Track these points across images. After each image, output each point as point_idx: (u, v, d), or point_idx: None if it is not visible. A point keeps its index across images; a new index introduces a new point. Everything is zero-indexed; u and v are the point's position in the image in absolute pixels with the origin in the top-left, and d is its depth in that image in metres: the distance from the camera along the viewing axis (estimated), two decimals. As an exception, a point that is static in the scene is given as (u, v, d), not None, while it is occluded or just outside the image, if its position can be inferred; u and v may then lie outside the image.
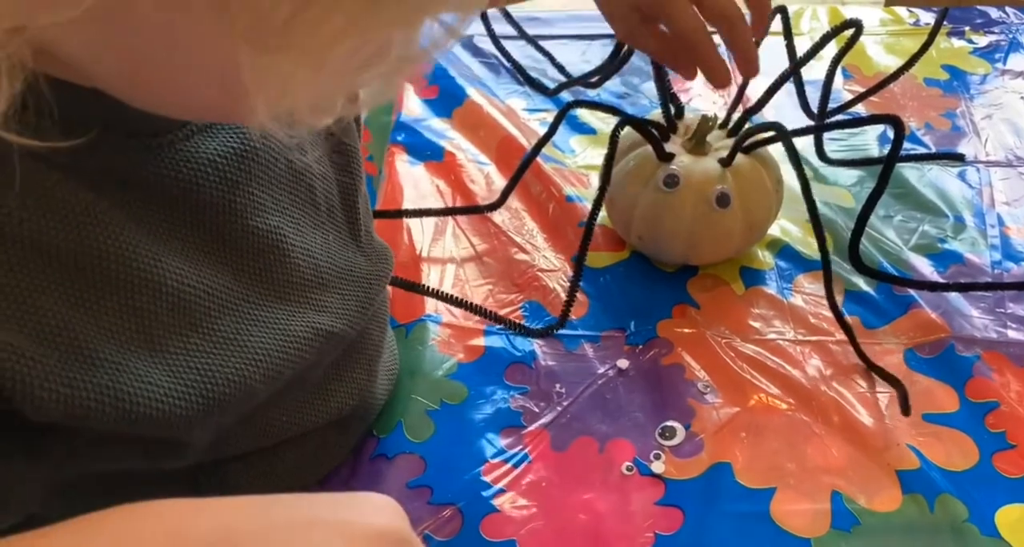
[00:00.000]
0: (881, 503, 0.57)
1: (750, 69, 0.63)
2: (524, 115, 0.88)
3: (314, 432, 0.54)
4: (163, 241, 0.41)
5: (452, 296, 0.67)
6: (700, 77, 0.91)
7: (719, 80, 0.63)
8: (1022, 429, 0.61)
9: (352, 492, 0.36)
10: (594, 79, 0.84)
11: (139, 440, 0.41)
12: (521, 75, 0.90)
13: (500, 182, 0.79)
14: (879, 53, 0.95)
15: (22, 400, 0.35)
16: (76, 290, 0.38)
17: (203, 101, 0.36)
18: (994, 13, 1.01)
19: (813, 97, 0.82)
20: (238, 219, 0.45)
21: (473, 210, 0.77)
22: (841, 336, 0.66)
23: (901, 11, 1.01)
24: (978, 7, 1.01)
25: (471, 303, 0.67)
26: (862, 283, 0.71)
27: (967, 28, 0.98)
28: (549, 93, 0.88)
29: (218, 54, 0.32)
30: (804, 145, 0.81)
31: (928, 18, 1.00)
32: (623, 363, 0.65)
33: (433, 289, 0.68)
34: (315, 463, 0.58)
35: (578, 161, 0.82)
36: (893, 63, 0.93)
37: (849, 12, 1.00)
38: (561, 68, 0.91)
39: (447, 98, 0.89)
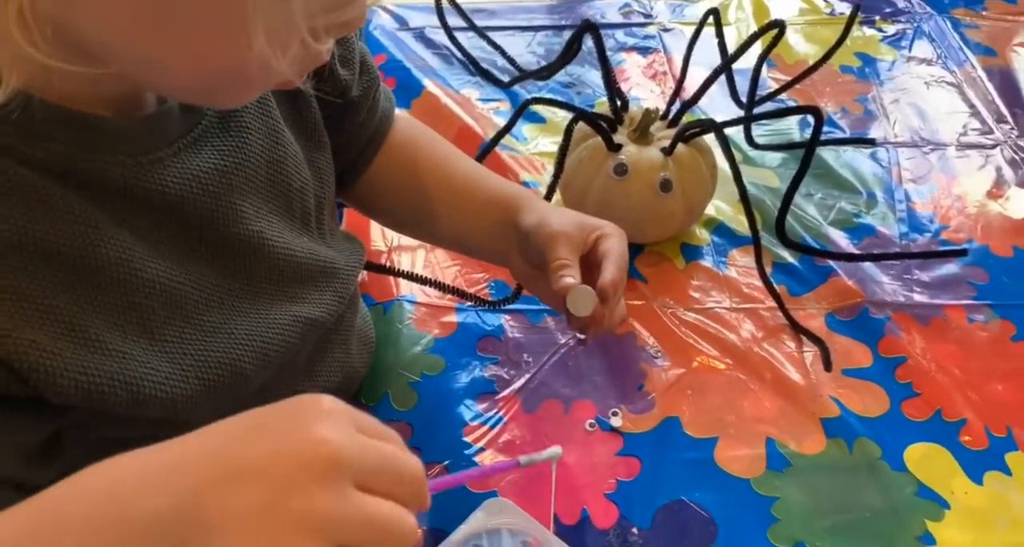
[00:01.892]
0: (808, 447, 0.66)
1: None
2: (478, 105, 0.94)
3: None
4: (153, 245, 0.47)
5: (424, 277, 0.74)
6: (639, 67, 0.99)
7: (596, 327, 0.60)
8: (926, 380, 0.70)
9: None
10: (544, 73, 0.91)
11: (150, 422, 0.47)
12: (476, 68, 0.97)
13: (460, 169, 0.86)
14: (799, 42, 1.04)
15: (46, 388, 0.41)
16: (81, 290, 0.43)
17: (212, 60, 0.40)
18: (900, 2, 1.10)
19: (742, 86, 0.91)
20: (219, 226, 0.50)
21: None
22: (771, 303, 0.75)
23: (817, 1, 1.10)
24: (886, -4, 1.11)
25: (440, 282, 0.74)
26: (787, 255, 0.80)
27: (877, 17, 1.08)
28: (504, 86, 0.94)
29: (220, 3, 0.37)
30: (734, 131, 0.89)
31: (842, 7, 1.09)
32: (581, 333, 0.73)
33: (408, 272, 0.74)
34: None
35: (531, 148, 0.89)
36: (812, 51, 1.02)
37: (771, 2, 1.09)
38: (512, 61, 0.97)
39: (405, 90, 0.95)
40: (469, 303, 0.74)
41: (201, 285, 0.49)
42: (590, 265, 0.61)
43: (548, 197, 0.74)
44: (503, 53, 0.98)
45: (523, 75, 0.94)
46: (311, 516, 0.34)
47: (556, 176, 0.75)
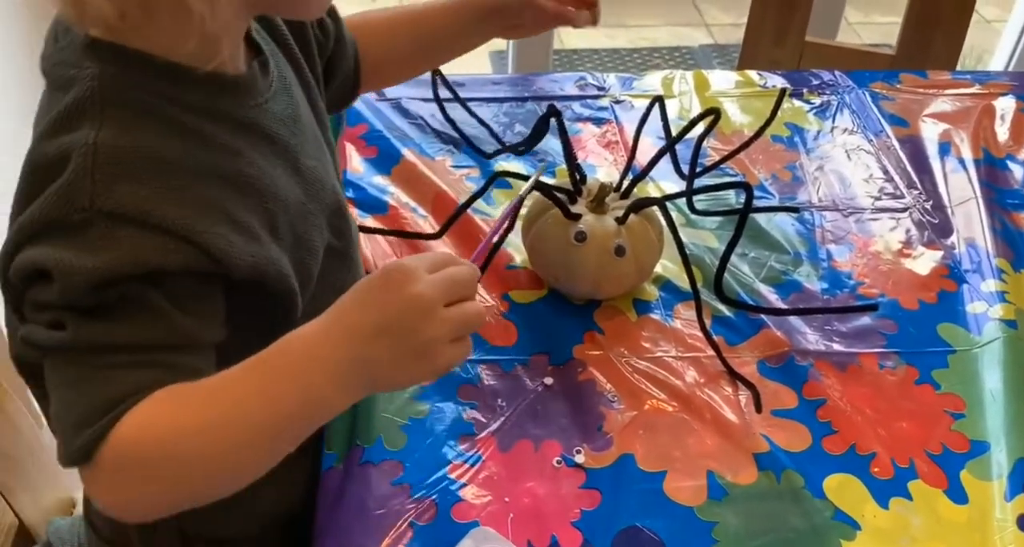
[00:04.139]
0: (743, 478, 0.77)
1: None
2: (451, 171, 1.05)
3: None
4: (270, 167, 0.64)
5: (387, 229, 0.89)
6: (594, 136, 1.10)
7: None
8: (843, 419, 0.82)
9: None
10: (520, 148, 1.02)
11: (280, 296, 0.65)
12: (464, 139, 1.07)
13: (438, 232, 0.97)
14: (735, 112, 1.16)
15: (229, 266, 0.58)
16: (238, 198, 0.61)
17: None
18: (826, 76, 1.23)
19: (684, 154, 1.02)
20: (298, 157, 0.69)
21: (419, 236, 0.95)
22: (710, 352, 0.86)
23: (752, 74, 1.23)
24: (812, 70, 1.24)
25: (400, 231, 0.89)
26: (725, 309, 0.91)
27: (805, 90, 1.21)
28: (487, 156, 1.05)
29: None
30: (680, 199, 1.01)
31: (774, 80, 1.22)
32: (548, 380, 0.84)
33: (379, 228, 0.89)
34: None
35: (499, 211, 1.00)
36: (747, 121, 1.15)
37: (711, 76, 1.21)
38: (494, 134, 1.08)
39: (385, 157, 1.06)
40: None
41: (297, 200, 0.67)
42: None
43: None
44: (487, 127, 1.09)
45: (504, 148, 1.04)
46: (433, 336, 0.56)
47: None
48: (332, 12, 0.83)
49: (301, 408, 0.57)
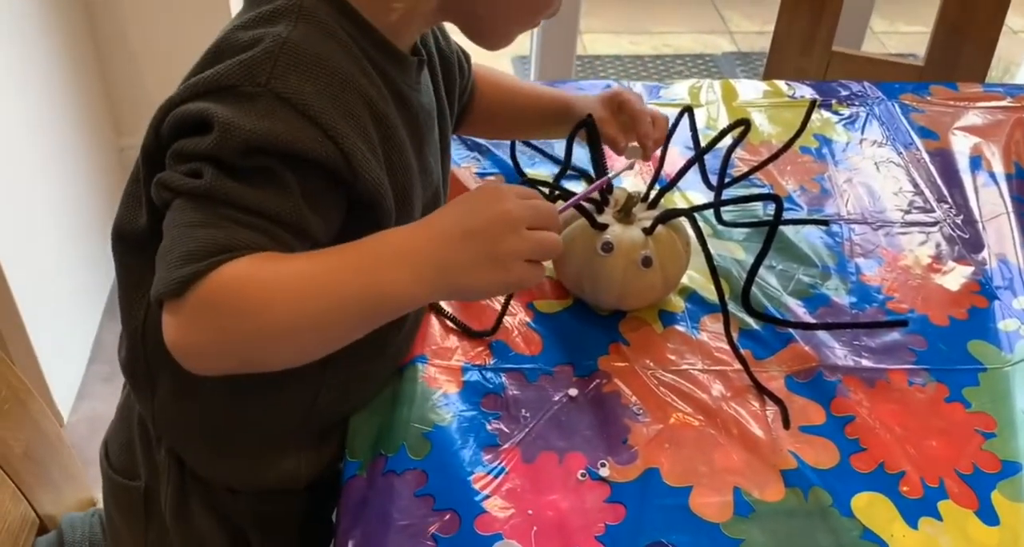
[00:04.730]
0: (770, 495, 0.76)
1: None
2: (477, 178, 1.05)
3: None
4: (403, 132, 0.70)
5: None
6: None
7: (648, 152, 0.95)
8: (871, 436, 0.81)
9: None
10: (565, 166, 1.01)
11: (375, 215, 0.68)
12: (519, 174, 1.05)
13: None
14: (763, 123, 1.15)
15: (358, 177, 0.64)
16: (377, 131, 0.67)
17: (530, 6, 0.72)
18: (855, 87, 1.22)
19: (712, 164, 1.01)
20: (424, 146, 0.75)
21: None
22: (737, 365, 0.86)
23: (780, 84, 1.22)
24: (841, 81, 1.23)
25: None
26: (752, 322, 0.90)
27: (834, 101, 1.20)
28: (552, 186, 0.99)
29: None
30: (707, 210, 1.00)
31: (803, 91, 1.21)
32: (573, 391, 0.83)
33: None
34: None
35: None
36: (775, 132, 1.14)
37: (738, 86, 1.20)
38: (554, 159, 1.08)
39: (411, 163, 1.05)
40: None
41: (412, 170, 0.72)
42: (628, 120, 0.94)
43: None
44: (544, 153, 1.09)
45: (562, 171, 1.01)
46: (513, 249, 0.63)
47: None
48: (468, 57, 0.91)
49: (388, 294, 0.62)
